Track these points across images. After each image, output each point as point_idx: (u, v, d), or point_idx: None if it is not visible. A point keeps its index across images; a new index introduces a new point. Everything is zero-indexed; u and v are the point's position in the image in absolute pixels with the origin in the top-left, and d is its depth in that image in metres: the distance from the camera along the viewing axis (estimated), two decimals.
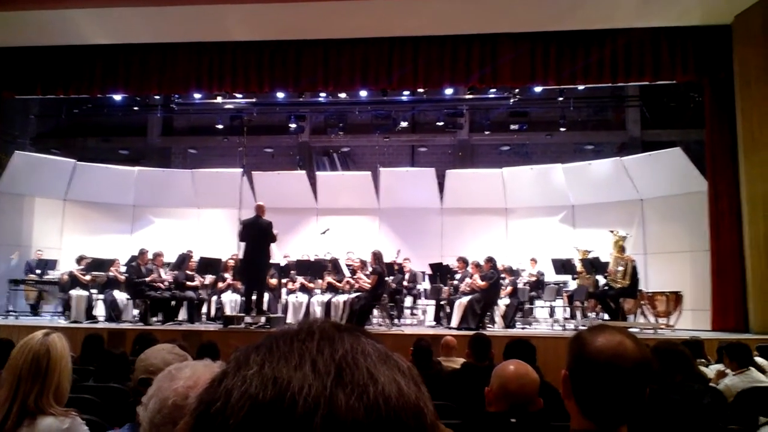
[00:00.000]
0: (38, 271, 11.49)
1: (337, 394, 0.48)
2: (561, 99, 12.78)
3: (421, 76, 10.74)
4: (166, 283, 10.09)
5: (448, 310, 10.03)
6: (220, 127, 14.22)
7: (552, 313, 11.27)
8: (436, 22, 10.10)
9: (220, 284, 10.96)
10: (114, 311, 10.06)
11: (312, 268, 10.92)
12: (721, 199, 9.86)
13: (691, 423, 2.71)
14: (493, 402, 2.37)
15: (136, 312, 10.12)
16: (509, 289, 10.29)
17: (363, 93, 12.57)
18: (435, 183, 13.24)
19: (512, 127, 14.63)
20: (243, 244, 9.22)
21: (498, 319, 9.93)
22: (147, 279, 9.76)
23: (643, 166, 11.80)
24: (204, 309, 10.74)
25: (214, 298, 10.84)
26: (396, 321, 10.36)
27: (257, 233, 9.04)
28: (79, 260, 10.74)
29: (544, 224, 12.91)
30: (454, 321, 9.55)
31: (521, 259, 11.88)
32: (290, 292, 11.05)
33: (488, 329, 9.48)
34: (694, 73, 10.24)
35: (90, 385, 3.90)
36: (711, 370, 5.07)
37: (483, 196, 13.07)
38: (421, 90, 12.31)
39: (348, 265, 10.77)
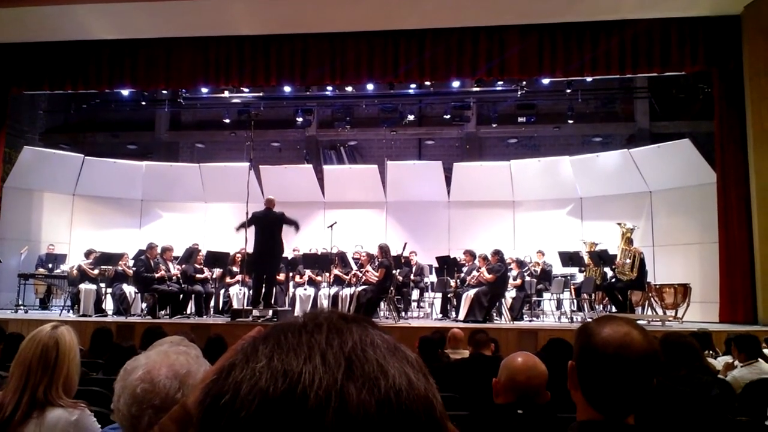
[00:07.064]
0: (49, 266, 11.58)
1: (348, 388, 0.47)
2: (569, 91, 12.70)
3: (427, 69, 10.70)
4: (175, 278, 10.13)
5: (455, 302, 10.04)
6: (228, 121, 14.24)
7: (559, 306, 11.25)
8: (443, 15, 10.06)
9: (228, 278, 11.00)
10: (122, 305, 10.12)
11: (319, 262, 10.94)
12: (729, 191, 9.79)
13: (699, 414, 2.71)
14: (501, 393, 2.38)
15: (144, 306, 10.18)
16: (518, 281, 10.28)
17: (370, 86, 12.56)
18: (442, 176, 13.21)
19: (520, 119, 14.54)
20: (253, 239, 9.22)
21: (505, 311, 9.92)
22: (156, 275, 9.80)
23: (651, 158, 11.72)
24: (212, 302, 10.80)
25: (222, 291, 10.89)
26: (403, 314, 10.37)
27: (268, 226, 9.05)
28: (88, 254, 10.79)
29: (552, 217, 12.87)
30: (461, 314, 9.56)
31: (529, 251, 11.87)
32: (298, 285, 11.08)
33: (495, 322, 9.49)
34: (704, 64, 10.14)
35: (99, 377, 3.93)
36: (719, 362, 5.05)
37: (490, 188, 13.03)
38: (428, 83, 12.28)
39: (355, 259, 10.77)
